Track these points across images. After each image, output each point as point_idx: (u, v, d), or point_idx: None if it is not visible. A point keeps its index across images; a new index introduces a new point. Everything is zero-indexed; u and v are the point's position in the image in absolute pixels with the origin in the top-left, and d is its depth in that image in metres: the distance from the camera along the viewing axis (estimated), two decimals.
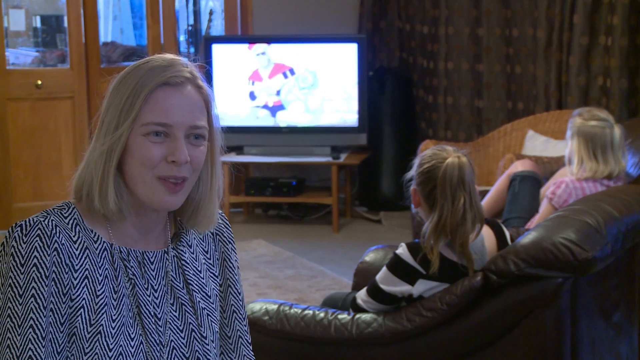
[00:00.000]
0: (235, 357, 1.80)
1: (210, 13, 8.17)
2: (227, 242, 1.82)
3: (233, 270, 1.81)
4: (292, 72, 6.37)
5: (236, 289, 1.81)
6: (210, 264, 1.78)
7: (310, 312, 2.93)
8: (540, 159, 4.65)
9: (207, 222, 1.72)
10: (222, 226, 1.82)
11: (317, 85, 6.35)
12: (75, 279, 1.59)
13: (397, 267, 2.81)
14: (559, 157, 4.55)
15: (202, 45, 6.69)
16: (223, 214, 1.83)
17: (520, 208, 4.16)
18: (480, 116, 6.31)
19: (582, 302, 2.78)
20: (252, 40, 6.52)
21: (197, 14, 8.81)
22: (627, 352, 3.11)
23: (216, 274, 1.79)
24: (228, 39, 6.71)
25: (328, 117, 6.38)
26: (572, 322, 2.74)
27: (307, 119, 6.39)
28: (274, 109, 6.42)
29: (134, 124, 1.59)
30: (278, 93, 6.40)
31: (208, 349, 1.71)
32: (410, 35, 6.81)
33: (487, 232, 2.90)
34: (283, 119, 6.41)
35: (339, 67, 6.32)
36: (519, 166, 4.35)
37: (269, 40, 6.43)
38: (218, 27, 8.22)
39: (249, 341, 1.83)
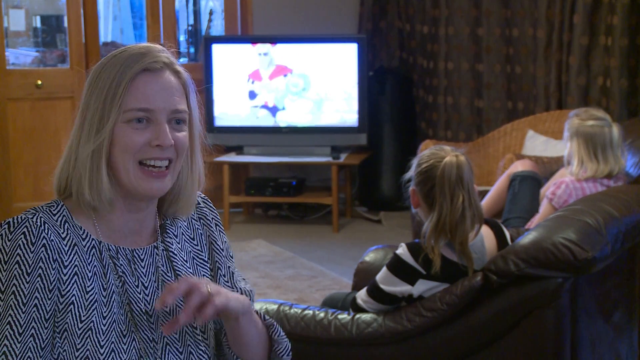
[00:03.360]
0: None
1: (210, 13, 8.17)
2: (212, 225, 1.81)
3: (220, 253, 1.80)
4: (292, 74, 6.37)
5: (222, 271, 1.80)
6: (198, 250, 1.78)
7: (310, 312, 2.93)
8: (540, 159, 4.65)
9: (187, 207, 1.73)
10: (206, 209, 1.82)
11: (308, 89, 6.34)
12: (64, 275, 1.59)
13: (397, 267, 2.81)
14: (559, 157, 4.54)
15: (202, 45, 6.69)
16: (206, 197, 1.83)
17: (520, 208, 4.16)
18: (480, 116, 6.31)
19: (582, 302, 2.78)
20: (252, 40, 6.51)
21: (197, 14, 8.81)
22: (627, 352, 3.11)
23: (206, 259, 1.79)
24: (228, 39, 6.71)
25: (328, 117, 6.38)
26: (572, 322, 2.74)
27: (307, 119, 6.39)
28: (274, 109, 6.42)
29: (118, 114, 1.60)
30: (278, 94, 6.40)
31: (199, 340, 1.71)
32: (410, 35, 6.81)
33: (487, 232, 2.90)
34: (283, 119, 6.41)
35: (339, 67, 6.32)
36: (519, 166, 4.35)
37: (268, 40, 6.43)
38: (218, 27, 8.22)
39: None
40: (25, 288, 1.56)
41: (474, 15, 6.24)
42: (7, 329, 1.54)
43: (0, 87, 6.13)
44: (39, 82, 6.25)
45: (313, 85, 6.35)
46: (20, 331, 1.55)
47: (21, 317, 1.55)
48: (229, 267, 1.82)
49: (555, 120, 5.17)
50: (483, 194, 4.45)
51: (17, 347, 1.54)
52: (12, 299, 1.55)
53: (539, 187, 4.24)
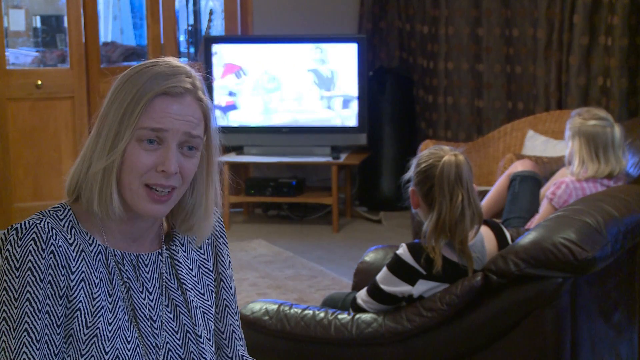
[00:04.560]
0: (230, 352, 1.81)
1: (210, 13, 8.17)
2: (219, 236, 1.82)
3: (225, 265, 1.82)
4: (243, 72, 6.36)
5: (227, 283, 1.82)
6: (204, 259, 1.79)
7: (310, 312, 2.93)
8: (540, 159, 4.65)
9: (202, 230, 1.72)
10: (214, 221, 1.81)
11: (280, 89, 6.35)
12: (72, 281, 1.60)
13: (398, 268, 2.81)
14: (559, 157, 4.54)
15: (202, 45, 6.69)
16: (215, 209, 1.83)
17: (520, 208, 4.16)
18: (480, 116, 6.31)
19: (582, 302, 2.78)
20: (252, 40, 6.52)
21: (197, 14, 8.81)
22: (627, 352, 3.11)
23: (211, 269, 1.79)
24: (228, 39, 6.71)
25: (328, 117, 6.38)
26: (572, 322, 2.74)
27: (307, 119, 6.39)
28: (226, 109, 6.40)
29: (132, 134, 1.59)
30: (231, 94, 6.39)
31: (203, 348, 1.71)
32: (410, 35, 6.81)
33: (487, 233, 2.90)
34: (235, 119, 6.39)
35: (339, 67, 6.32)
36: (519, 166, 4.35)
37: (268, 40, 6.43)
38: (218, 27, 8.22)
39: (242, 336, 1.84)
40: (39, 295, 1.56)
41: (474, 15, 6.24)
42: (25, 336, 1.55)
43: (0, 87, 6.13)
44: (39, 82, 6.25)
45: (284, 85, 6.36)
46: (38, 338, 1.55)
47: (37, 324, 1.55)
48: (233, 280, 1.84)
49: (555, 120, 5.17)
50: (483, 194, 4.44)
51: (36, 355, 1.55)
52: (27, 305, 1.55)
53: (539, 187, 4.24)
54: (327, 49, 6.33)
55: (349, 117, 6.33)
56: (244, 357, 1.83)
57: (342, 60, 6.32)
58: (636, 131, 4.27)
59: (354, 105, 6.32)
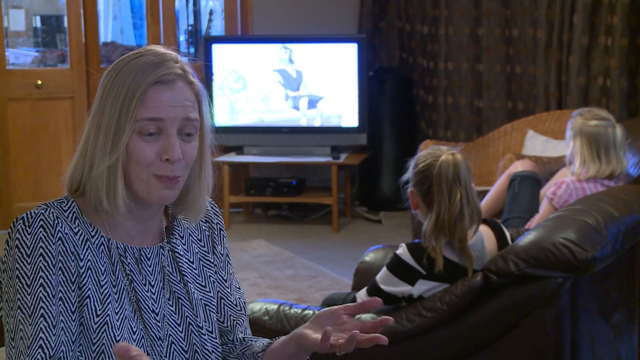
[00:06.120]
0: (231, 337, 1.81)
1: (210, 13, 8.17)
2: (215, 230, 1.83)
3: (220, 257, 1.82)
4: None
5: (221, 275, 1.81)
6: (205, 251, 1.80)
7: (310, 312, 2.93)
8: (540, 159, 4.65)
9: (195, 210, 1.73)
10: (212, 214, 1.83)
11: (246, 88, 6.35)
12: (81, 268, 1.60)
13: (397, 268, 2.81)
14: (559, 157, 4.54)
15: (202, 45, 6.69)
16: (213, 202, 1.84)
17: (520, 208, 4.16)
18: (480, 116, 6.31)
19: (582, 302, 2.78)
20: (252, 40, 6.52)
21: (197, 14, 8.82)
22: (627, 352, 3.11)
23: (211, 260, 1.80)
24: (228, 39, 6.71)
25: (328, 117, 6.38)
26: (572, 322, 2.74)
27: (307, 119, 6.39)
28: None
29: (132, 129, 1.60)
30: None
31: (205, 340, 1.72)
32: (410, 35, 6.81)
33: (487, 233, 2.90)
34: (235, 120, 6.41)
35: (339, 67, 6.32)
36: (518, 166, 4.35)
37: (268, 40, 6.43)
38: (218, 27, 8.22)
39: (244, 323, 1.83)
40: (52, 280, 1.56)
41: (474, 15, 6.24)
42: (42, 321, 1.54)
43: (0, 87, 6.13)
44: (39, 82, 6.25)
45: (308, 84, 6.35)
46: (54, 323, 1.55)
47: (52, 309, 1.55)
48: (231, 273, 1.84)
49: (555, 120, 5.17)
50: (483, 194, 4.45)
51: (52, 340, 1.54)
52: (41, 290, 1.55)
53: (539, 187, 4.24)
54: (293, 49, 6.35)
55: (349, 117, 6.33)
56: (245, 339, 1.82)
57: (342, 60, 6.32)
58: (636, 131, 4.27)
59: (354, 105, 6.32)
